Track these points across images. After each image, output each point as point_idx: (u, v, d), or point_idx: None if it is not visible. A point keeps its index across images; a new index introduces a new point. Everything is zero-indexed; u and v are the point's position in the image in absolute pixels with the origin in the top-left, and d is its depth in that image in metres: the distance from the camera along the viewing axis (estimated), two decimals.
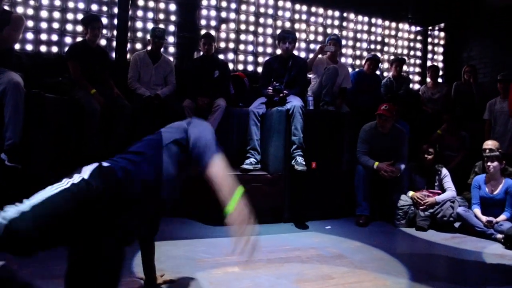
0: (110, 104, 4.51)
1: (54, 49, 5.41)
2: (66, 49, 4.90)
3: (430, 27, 7.98)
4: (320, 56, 5.78)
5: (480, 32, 7.55)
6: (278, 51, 5.47)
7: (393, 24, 7.65)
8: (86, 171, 1.88)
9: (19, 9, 5.18)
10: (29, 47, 5.29)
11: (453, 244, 4.09)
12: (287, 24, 6.74)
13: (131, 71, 5.01)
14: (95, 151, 4.18)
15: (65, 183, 1.80)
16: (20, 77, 3.80)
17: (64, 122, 4.27)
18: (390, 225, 4.75)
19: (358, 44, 7.33)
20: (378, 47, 7.51)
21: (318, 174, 4.78)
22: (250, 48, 6.50)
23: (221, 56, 6.07)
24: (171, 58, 5.71)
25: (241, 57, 6.45)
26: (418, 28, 7.86)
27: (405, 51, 7.77)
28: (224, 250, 3.49)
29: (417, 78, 7.84)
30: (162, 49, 5.30)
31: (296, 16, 6.83)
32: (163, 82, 5.16)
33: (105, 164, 1.97)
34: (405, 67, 7.24)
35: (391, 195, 4.81)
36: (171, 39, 6.00)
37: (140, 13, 5.88)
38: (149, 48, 5.19)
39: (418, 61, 7.90)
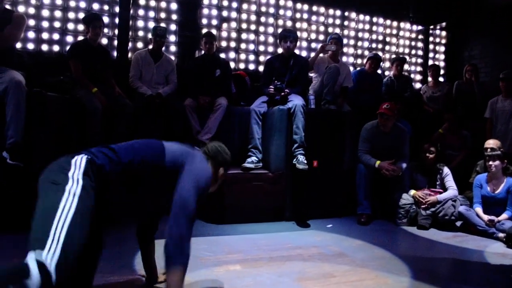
0: (112, 103, 4.51)
1: (56, 48, 5.41)
2: (68, 48, 4.90)
3: (431, 26, 7.98)
4: (321, 55, 5.77)
5: (482, 31, 7.54)
6: (280, 50, 5.47)
7: (395, 23, 7.64)
8: (81, 169, 1.90)
9: (21, 8, 5.18)
10: (30, 46, 5.29)
11: (454, 243, 4.09)
12: (289, 23, 6.74)
13: (133, 70, 5.01)
14: None
15: (69, 195, 1.81)
16: (21, 76, 3.80)
17: (66, 121, 4.27)
18: (391, 223, 4.74)
19: (359, 43, 7.33)
20: (380, 46, 7.50)
21: (319, 173, 4.78)
22: (252, 47, 6.50)
23: (222, 55, 6.07)
24: (173, 57, 5.72)
25: (243, 56, 6.45)
26: (420, 27, 7.86)
27: (407, 50, 7.77)
28: (225, 248, 3.50)
29: (418, 77, 7.83)
30: (163, 48, 5.30)
31: (298, 15, 6.82)
32: (164, 81, 5.16)
33: (98, 162, 1.99)
34: (406, 66, 7.25)
35: (393, 194, 4.81)
36: (172, 38, 5.99)
37: (141, 12, 5.87)
38: (150, 47, 5.19)
39: (419, 60, 7.89)
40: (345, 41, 6.83)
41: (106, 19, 5.43)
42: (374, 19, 7.45)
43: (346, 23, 7.20)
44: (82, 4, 5.52)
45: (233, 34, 6.39)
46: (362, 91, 6.07)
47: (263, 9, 6.58)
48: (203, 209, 4.41)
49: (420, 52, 7.90)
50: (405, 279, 2.99)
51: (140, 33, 5.87)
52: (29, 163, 3.67)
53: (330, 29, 7.00)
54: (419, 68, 7.87)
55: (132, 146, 2.20)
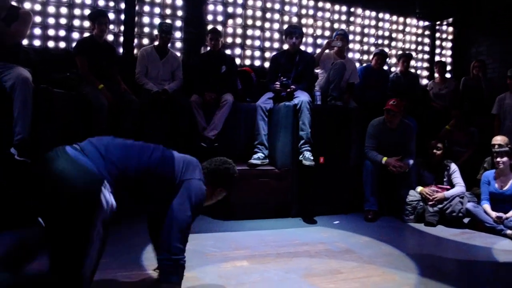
0: (118, 99, 4.51)
1: (62, 44, 5.42)
2: (74, 44, 4.92)
3: (438, 22, 7.91)
4: (327, 51, 5.75)
5: (489, 26, 7.47)
6: (285, 46, 5.44)
7: (401, 19, 7.59)
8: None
9: (27, 5, 5.19)
10: (36, 42, 5.30)
11: (462, 240, 4.07)
12: (294, 19, 6.72)
13: (139, 66, 5.01)
14: None
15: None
16: (28, 72, 3.81)
17: (72, 117, 4.28)
18: (398, 220, 4.72)
19: (365, 39, 7.29)
20: (386, 42, 7.46)
21: (326, 169, 4.76)
22: (257, 43, 6.48)
23: (228, 51, 6.06)
24: (178, 53, 5.71)
25: (248, 52, 6.43)
26: (426, 23, 7.80)
27: (413, 46, 7.72)
28: (232, 244, 3.50)
29: (425, 73, 7.79)
30: (169, 44, 5.29)
31: (303, 11, 6.80)
32: (170, 77, 5.15)
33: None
34: (412, 62, 7.20)
35: (400, 190, 4.79)
36: (178, 34, 5.99)
37: (146, 8, 5.86)
38: (156, 43, 5.19)
39: (426, 56, 7.84)
40: (351, 37, 6.80)
41: (111, 16, 5.44)
42: (380, 15, 7.41)
43: (352, 19, 7.17)
44: (88, 1, 5.52)
45: (239, 30, 6.38)
46: (368, 87, 6.04)
47: (269, 5, 6.56)
48: (209, 205, 4.44)
49: (426, 48, 7.85)
50: (412, 275, 2.98)
51: (146, 30, 5.86)
52: (36, 159, 3.67)
53: (336, 25, 6.97)
54: (425, 64, 7.82)
55: (148, 163, 2.18)
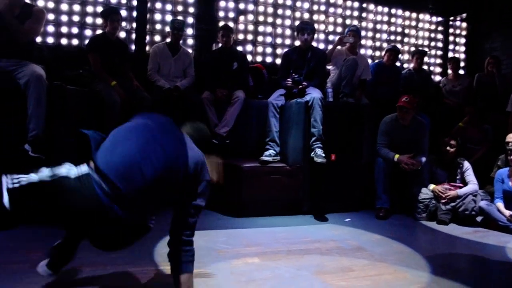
0: (130, 96, 4.54)
1: (75, 41, 5.46)
2: (86, 41, 4.95)
3: (451, 18, 7.84)
4: (339, 47, 5.72)
5: (503, 22, 7.37)
6: (297, 43, 5.43)
7: (414, 15, 7.52)
8: None
9: (40, 2, 5.23)
10: (50, 40, 5.35)
11: (475, 239, 4.03)
12: (306, 15, 6.69)
13: (151, 63, 5.03)
14: None
15: None
16: (42, 69, 3.85)
17: (85, 114, 4.32)
18: (410, 218, 4.69)
19: (377, 35, 7.24)
20: (398, 38, 7.40)
21: (337, 167, 4.74)
22: (269, 39, 6.47)
23: (239, 48, 6.06)
24: (190, 50, 5.72)
25: (260, 49, 6.42)
26: (439, 19, 7.73)
27: (426, 42, 7.64)
28: (244, 241, 3.51)
29: (438, 69, 7.71)
30: (181, 41, 5.31)
31: (315, 7, 6.77)
32: (182, 74, 5.17)
33: None
34: (425, 59, 7.12)
35: (412, 188, 4.75)
36: (189, 31, 6.00)
37: (158, 5, 5.89)
38: (168, 40, 5.21)
39: (439, 53, 7.76)
40: (363, 33, 6.76)
41: (124, 13, 5.46)
42: (393, 11, 7.35)
43: (364, 15, 7.12)
44: None
45: (250, 27, 6.38)
46: (380, 84, 6.00)
47: (280, 1, 6.54)
48: (221, 202, 4.46)
49: (439, 44, 7.78)
50: (424, 274, 2.96)
51: (158, 26, 5.89)
52: (50, 155, 3.72)
53: (348, 21, 6.93)
54: (438, 61, 7.74)
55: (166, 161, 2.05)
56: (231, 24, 5.97)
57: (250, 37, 6.37)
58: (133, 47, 5.61)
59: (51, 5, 5.33)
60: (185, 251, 2.18)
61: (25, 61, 3.85)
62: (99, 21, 5.40)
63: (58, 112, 3.98)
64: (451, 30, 7.86)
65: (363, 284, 2.72)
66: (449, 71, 6.97)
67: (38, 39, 5.00)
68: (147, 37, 5.74)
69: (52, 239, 2.38)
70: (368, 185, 4.84)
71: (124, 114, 4.44)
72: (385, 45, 7.00)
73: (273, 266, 2.95)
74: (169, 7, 5.94)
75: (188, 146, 2.19)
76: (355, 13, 7.04)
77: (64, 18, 5.41)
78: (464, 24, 7.97)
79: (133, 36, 5.68)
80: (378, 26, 7.25)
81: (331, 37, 6.79)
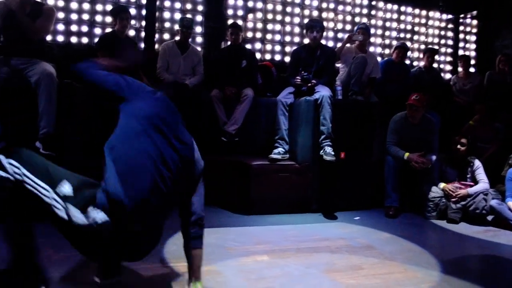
0: None
1: (84, 40, 5.49)
2: (96, 40, 4.97)
3: (461, 15, 7.76)
4: (348, 45, 5.70)
5: None
6: (306, 41, 5.41)
7: (423, 12, 7.48)
8: None
9: (50, 1, 5.26)
10: (60, 38, 5.38)
11: (485, 238, 4.00)
12: (315, 13, 6.67)
13: (160, 61, 5.04)
14: None
15: None
16: (53, 67, 3.88)
17: (95, 112, 4.34)
18: (420, 217, 4.66)
19: (387, 33, 7.20)
20: (408, 35, 7.36)
21: (346, 165, 4.72)
22: (278, 37, 6.46)
23: (248, 46, 6.05)
24: (199, 48, 5.73)
25: (269, 47, 6.42)
26: (449, 16, 7.67)
27: (436, 40, 7.59)
28: (253, 239, 3.51)
29: (448, 67, 7.65)
30: (190, 39, 5.31)
31: (324, 5, 6.75)
32: (191, 72, 5.18)
33: None
34: (436, 57, 7.07)
35: (422, 186, 4.72)
36: (198, 29, 6.01)
37: (167, 3, 5.90)
38: (177, 38, 5.22)
39: (449, 50, 7.70)
40: (372, 31, 6.71)
41: (133, 11, 5.49)
42: (402, 8, 7.31)
43: (373, 12, 7.09)
44: None
45: (259, 25, 6.37)
46: (389, 81, 5.96)
47: None
48: (230, 199, 4.47)
49: (450, 42, 7.71)
50: (435, 273, 2.94)
51: (167, 25, 5.90)
52: (61, 153, 3.74)
53: (357, 19, 6.90)
54: (448, 59, 7.68)
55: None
56: (240, 22, 5.96)
57: (259, 35, 6.36)
58: (142, 45, 5.63)
59: (61, 3, 5.36)
60: (193, 231, 2.22)
61: (36, 60, 3.88)
62: (108, 19, 5.41)
63: (68, 110, 4.01)
64: (461, 28, 7.80)
65: (373, 282, 2.71)
66: (460, 69, 6.91)
67: (48, 38, 5.04)
68: (156, 35, 5.76)
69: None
70: (377, 183, 4.82)
71: None
72: (394, 43, 6.94)
73: (282, 264, 2.94)
74: (178, 5, 5.95)
75: (195, 148, 2.26)
76: (364, 11, 7.00)
77: (74, 16, 5.44)
78: (474, 22, 7.91)
79: (142, 34, 5.70)
80: (388, 24, 7.21)
81: (340, 35, 6.77)
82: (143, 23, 5.68)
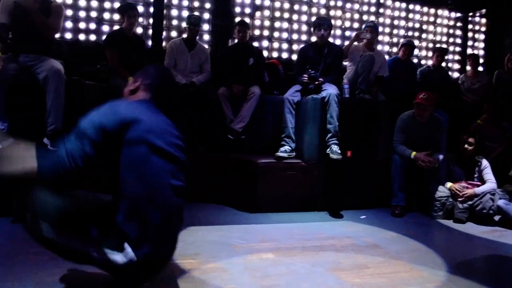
0: None
1: (92, 37, 5.52)
2: (104, 37, 4.99)
3: (470, 13, 7.71)
4: (356, 43, 5.68)
5: None
6: (313, 39, 5.41)
7: (432, 10, 7.43)
8: None
9: None
10: (68, 35, 5.40)
11: (492, 238, 3.96)
12: (322, 11, 6.65)
13: (167, 59, 5.05)
14: None
15: None
16: (61, 64, 3.90)
17: None
18: (426, 216, 4.64)
19: (395, 31, 7.16)
20: (416, 34, 7.31)
21: (353, 163, 4.72)
22: (285, 35, 6.45)
23: (255, 44, 6.04)
24: (206, 46, 5.73)
25: (276, 45, 6.41)
26: (458, 15, 7.61)
27: (444, 38, 7.54)
28: (258, 236, 3.52)
29: (456, 66, 7.60)
30: (197, 37, 5.32)
31: (332, 3, 6.72)
32: (198, 69, 5.18)
33: None
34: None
35: (428, 186, 4.70)
36: (205, 26, 6.01)
37: (175, 1, 5.91)
38: (184, 35, 5.22)
39: (457, 49, 7.65)
40: (380, 29, 6.68)
41: (140, 9, 5.50)
42: (411, 6, 7.26)
43: (381, 10, 7.06)
44: None
45: (266, 23, 6.36)
46: (396, 79, 5.93)
47: None
48: (236, 197, 4.48)
49: (458, 41, 7.66)
50: (441, 272, 2.93)
51: (174, 22, 5.91)
52: None
53: (365, 17, 6.87)
54: (457, 57, 7.63)
55: None
56: (247, 19, 5.96)
57: (266, 32, 6.35)
58: (150, 42, 5.65)
59: (69, 1, 5.39)
60: None
61: (44, 57, 3.90)
62: (116, 17, 5.44)
63: (76, 107, 4.03)
64: (470, 26, 7.74)
65: (379, 281, 2.70)
66: (468, 68, 6.87)
67: (56, 35, 5.06)
68: (164, 33, 5.77)
69: None
70: (384, 182, 4.80)
71: None
72: (402, 41, 6.91)
73: (288, 262, 2.95)
74: (185, 2, 5.96)
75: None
76: (372, 9, 6.97)
77: (82, 14, 5.47)
78: (483, 20, 7.84)
79: (150, 31, 5.71)
80: (396, 22, 7.17)
81: (347, 33, 6.75)
82: (151, 20, 5.69)
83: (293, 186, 4.50)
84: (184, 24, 5.37)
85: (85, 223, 1.91)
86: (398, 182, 4.66)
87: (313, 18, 5.81)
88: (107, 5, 5.56)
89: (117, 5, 5.39)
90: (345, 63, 5.71)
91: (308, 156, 4.59)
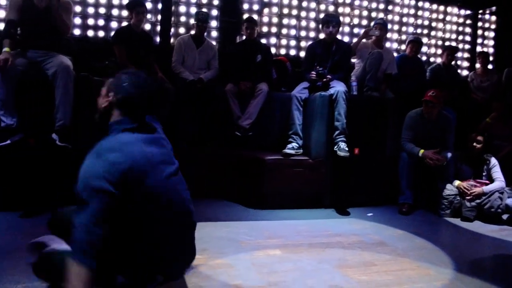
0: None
1: (101, 33, 5.53)
2: (112, 33, 5.01)
3: (480, 11, 7.63)
4: (364, 40, 5.65)
5: None
6: (321, 35, 5.40)
7: (441, 8, 7.36)
8: None
9: None
10: (76, 31, 5.42)
11: (500, 237, 3.94)
12: (331, 8, 6.62)
13: (175, 55, 5.06)
14: None
15: None
16: (70, 60, 3.92)
17: None
18: (434, 214, 4.62)
19: (403, 28, 7.11)
20: (425, 31, 7.26)
21: (360, 161, 4.71)
22: (293, 32, 6.43)
23: (263, 41, 6.03)
24: (214, 42, 5.73)
25: (284, 42, 6.39)
26: (468, 12, 7.54)
27: (453, 36, 7.48)
28: (265, 233, 3.53)
29: (465, 64, 7.54)
30: (205, 33, 5.32)
31: (340, 0, 6.69)
32: (206, 66, 5.18)
33: None
34: None
35: (436, 184, 4.68)
36: (213, 23, 6.00)
37: None
38: (192, 32, 5.22)
39: (466, 47, 7.58)
40: (389, 26, 6.63)
41: (149, 5, 5.50)
42: (420, 3, 7.21)
43: (390, 7, 7.00)
44: None
45: (274, 19, 6.34)
46: (403, 76, 5.90)
47: None
48: (243, 193, 4.49)
49: (467, 38, 7.59)
50: (448, 271, 2.93)
51: (182, 19, 5.90)
52: (77, 145, 3.79)
53: (373, 14, 6.83)
54: (466, 55, 7.57)
55: None
56: (255, 16, 5.94)
57: (274, 29, 6.34)
58: (158, 39, 5.65)
59: None
60: None
61: (53, 52, 3.92)
62: (124, 13, 5.44)
63: (85, 103, 4.05)
64: (479, 24, 7.66)
65: (385, 279, 2.71)
66: (477, 66, 6.81)
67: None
68: (172, 29, 5.77)
69: None
70: (391, 180, 4.79)
71: None
72: None
73: (294, 258, 2.96)
74: None
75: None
76: (381, 6, 6.93)
77: (91, 10, 5.48)
78: (493, 18, 7.77)
79: (158, 28, 5.72)
80: (405, 19, 7.12)
81: (356, 30, 6.71)
82: (159, 17, 5.70)
83: (300, 183, 4.49)
84: (192, 21, 5.37)
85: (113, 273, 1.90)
86: (406, 180, 4.65)
87: (322, 15, 5.77)
88: (115, 1, 5.56)
89: (125, 1, 5.37)
90: (353, 60, 5.68)
91: (316, 153, 4.59)
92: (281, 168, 4.42)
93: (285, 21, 6.39)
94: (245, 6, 6.18)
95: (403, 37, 7.08)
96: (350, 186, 4.72)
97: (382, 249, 3.30)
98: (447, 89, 5.53)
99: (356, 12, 6.79)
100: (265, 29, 6.28)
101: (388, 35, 6.76)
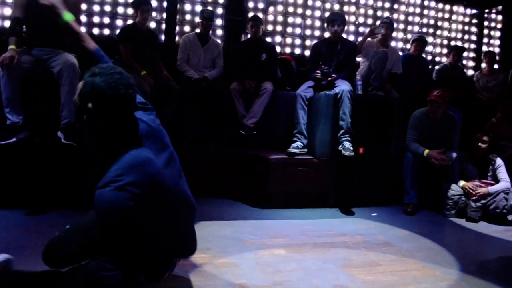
0: (160, 85, 4.58)
1: (106, 31, 5.54)
2: (118, 31, 5.01)
3: (486, 10, 7.58)
4: (369, 39, 5.63)
5: None
6: (327, 34, 5.38)
7: (447, 7, 7.32)
8: None
9: None
10: (82, 29, 5.41)
11: (505, 237, 3.93)
12: (336, 7, 6.59)
13: (181, 53, 5.05)
14: None
15: None
16: (75, 58, 3.92)
17: None
18: (439, 215, 4.61)
19: (409, 28, 7.08)
20: (431, 30, 7.22)
21: (365, 160, 4.70)
22: (298, 31, 6.41)
23: (268, 39, 6.01)
24: (219, 41, 5.72)
25: (289, 40, 6.38)
26: (474, 11, 7.50)
27: (459, 35, 7.43)
28: (270, 232, 3.52)
29: (471, 63, 7.50)
30: (210, 32, 5.32)
31: None
32: (211, 64, 5.18)
33: None
34: None
35: (441, 184, 4.67)
36: (218, 21, 5.99)
37: None
38: (198, 30, 5.22)
39: (472, 46, 7.54)
40: (394, 25, 6.61)
41: (154, 3, 5.48)
42: (426, 2, 7.17)
43: (395, 6, 6.97)
44: None
45: (280, 18, 6.33)
46: (407, 75, 5.88)
47: None
48: (247, 193, 4.48)
49: (473, 38, 7.55)
50: (453, 271, 2.92)
51: (188, 17, 5.90)
52: (82, 143, 3.80)
53: (379, 13, 6.80)
54: (472, 54, 7.53)
55: None
56: (260, 15, 5.92)
57: (279, 28, 6.32)
58: (163, 37, 5.66)
59: None
60: None
61: (59, 50, 3.92)
62: (130, 11, 5.45)
63: None
64: (485, 23, 7.62)
65: (391, 279, 2.70)
66: (483, 65, 6.78)
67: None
68: (177, 28, 5.77)
69: None
70: (396, 180, 4.77)
71: (153, 103, 4.50)
72: None
73: (299, 258, 2.95)
74: None
75: None
76: (387, 5, 6.90)
77: (96, 8, 5.49)
78: (500, 17, 7.72)
79: (163, 26, 5.72)
80: (410, 18, 7.09)
81: (361, 29, 6.68)
82: (164, 15, 5.70)
83: (305, 182, 4.49)
84: (197, 19, 5.37)
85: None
86: (411, 180, 4.63)
87: (327, 14, 5.76)
88: None
89: None
90: (358, 59, 5.67)
91: (320, 153, 4.58)
92: (286, 167, 4.42)
93: (290, 19, 6.37)
94: (250, 4, 6.17)
95: (409, 36, 7.05)
96: (354, 186, 4.71)
97: (387, 249, 3.30)
98: (453, 89, 5.50)
99: (362, 10, 6.76)
100: (270, 27, 6.27)
101: (393, 34, 6.73)
